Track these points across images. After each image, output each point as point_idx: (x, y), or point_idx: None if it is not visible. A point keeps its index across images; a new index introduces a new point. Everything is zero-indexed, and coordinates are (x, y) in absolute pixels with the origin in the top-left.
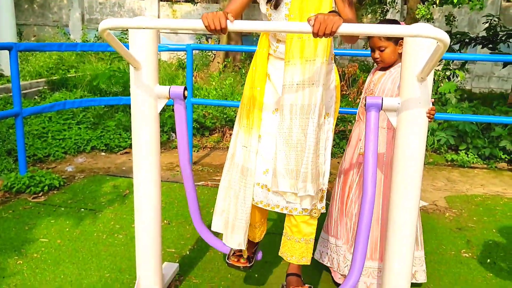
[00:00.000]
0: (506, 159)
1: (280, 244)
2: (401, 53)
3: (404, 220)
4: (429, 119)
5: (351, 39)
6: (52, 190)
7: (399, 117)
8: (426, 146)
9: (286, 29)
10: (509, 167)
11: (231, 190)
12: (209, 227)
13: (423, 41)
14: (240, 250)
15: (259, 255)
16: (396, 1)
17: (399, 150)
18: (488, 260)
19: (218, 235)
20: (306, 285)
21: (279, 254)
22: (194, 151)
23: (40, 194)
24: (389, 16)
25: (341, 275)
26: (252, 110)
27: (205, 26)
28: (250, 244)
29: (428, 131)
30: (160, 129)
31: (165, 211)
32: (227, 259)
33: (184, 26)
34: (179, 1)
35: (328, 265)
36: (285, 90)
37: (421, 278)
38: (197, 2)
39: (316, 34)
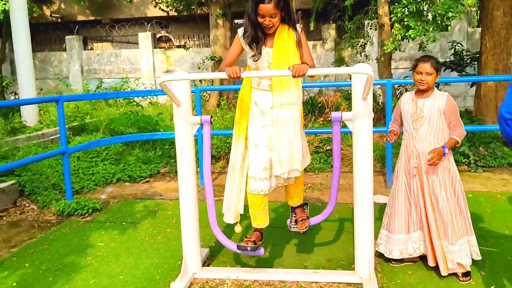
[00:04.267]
0: (466, 162)
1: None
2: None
3: (364, 198)
4: (388, 139)
5: (312, 77)
6: (95, 212)
7: (353, 124)
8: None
9: (276, 74)
10: (468, 169)
11: (234, 184)
12: (221, 227)
13: (363, 75)
14: (247, 238)
15: (261, 251)
16: (370, 36)
17: (355, 146)
18: None
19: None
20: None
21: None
22: None
23: (86, 215)
24: (367, 49)
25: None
26: (243, 126)
27: (228, 75)
28: (257, 233)
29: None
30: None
31: None
32: (237, 247)
33: (214, 76)
34: (172, 48)
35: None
36: (274, 109)
37: (477, 256)
38: (189, 48)
39: (294, 76)
